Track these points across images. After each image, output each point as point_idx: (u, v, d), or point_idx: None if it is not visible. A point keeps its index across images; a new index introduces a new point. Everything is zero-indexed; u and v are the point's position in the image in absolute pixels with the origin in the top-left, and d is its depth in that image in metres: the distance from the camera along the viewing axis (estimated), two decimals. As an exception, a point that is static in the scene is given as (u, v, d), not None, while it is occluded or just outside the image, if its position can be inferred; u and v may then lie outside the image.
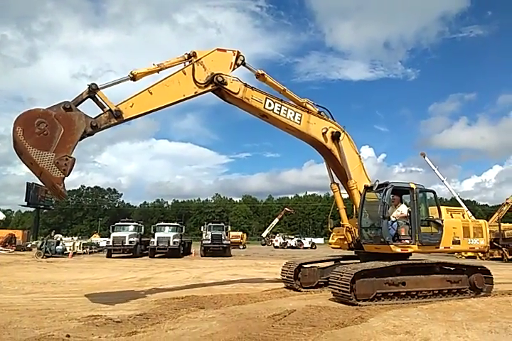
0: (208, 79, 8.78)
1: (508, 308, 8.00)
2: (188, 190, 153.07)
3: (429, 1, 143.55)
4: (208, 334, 5.70)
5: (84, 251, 29.70)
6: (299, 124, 9.72)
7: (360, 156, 10.60)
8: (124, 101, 7.93)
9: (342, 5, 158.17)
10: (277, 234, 57.90)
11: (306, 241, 49.79)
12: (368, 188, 9.92)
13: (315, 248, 47.32)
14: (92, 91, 7.66)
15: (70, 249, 27.23)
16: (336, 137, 10.04)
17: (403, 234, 9.13)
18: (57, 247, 25.79)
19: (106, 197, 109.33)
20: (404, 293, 8.62)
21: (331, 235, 11.24)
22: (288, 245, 48.66)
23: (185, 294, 9.29)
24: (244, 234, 53.13)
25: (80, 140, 7.33)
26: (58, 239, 28.45)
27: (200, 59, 8.80)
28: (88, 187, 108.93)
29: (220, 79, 8.80)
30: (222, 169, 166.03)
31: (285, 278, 10.65)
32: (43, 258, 23.55)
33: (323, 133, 9.97)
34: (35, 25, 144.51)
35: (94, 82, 7.71)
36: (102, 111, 7.76)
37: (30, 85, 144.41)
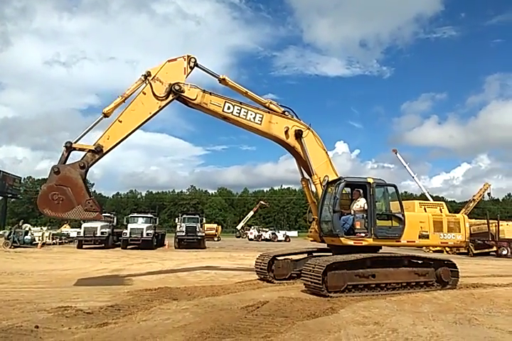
0: (166, 91, 9.51)
1: (472, 301, 8.32)
2: (162, 181, 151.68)
3: (405, 2, 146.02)
4: (180, 326, 5.70)
5: (54, 241, 28.98)
6: (260, 124, 10.23)
7: (327, 152, 10.90)
8: (101, 137, 9.00)
9: (320, 2, 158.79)
10: (252, 227, 58.09)
11: (281, 234, 50.17)
12: (329, 183, 10.15)
13: (289, 241, 47.79)
14: (69, 148, 8.78)
15: (38, 239, 26.50)
16: (298, 135, 10.42)
17: (358, 227, 9.41)
18: (25, 237, 25.06)
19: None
20: (373, 285, 8.85)
21: (310, 228, 11.40)
22: (262, 238, 48.89)
23: (158, 286, 9.23)
24: (219, 227, 53.06)
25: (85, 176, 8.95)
26: (27, 228, 27.61)
27: (155, 76, 9.50)
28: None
29: (177, 87, 9.51)
30: (198, 161, 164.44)
31: (259, 269, 10.73)
32: (10, 248, 22.87)
33: (286, 132, 10.39)
34: (8, 10, 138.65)
35: (68, 141, 8.76)
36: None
37: (1, 70, 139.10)
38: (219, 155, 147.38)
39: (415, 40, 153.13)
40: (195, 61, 10.01)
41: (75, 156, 9.06)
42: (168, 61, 9.78)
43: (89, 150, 8.84)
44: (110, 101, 9.32)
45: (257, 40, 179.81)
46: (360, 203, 9.77)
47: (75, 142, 8.87)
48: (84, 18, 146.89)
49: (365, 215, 9.48)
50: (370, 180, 9.65)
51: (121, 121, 9.18)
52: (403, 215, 9.56)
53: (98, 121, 9.13)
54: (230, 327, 5.59)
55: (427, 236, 9.86)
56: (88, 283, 9.94)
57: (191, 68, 9.99)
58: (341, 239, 9.26)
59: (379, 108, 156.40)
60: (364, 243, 9.30)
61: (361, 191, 9.97)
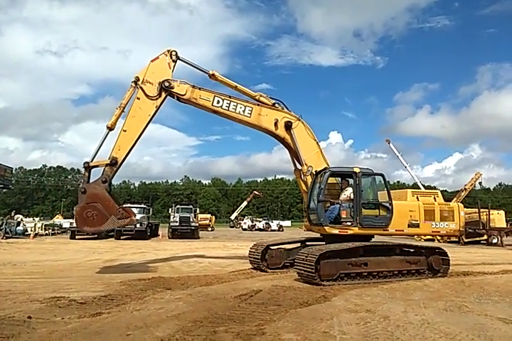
0: (158, 89, 9.86)
1: (463, 288, 8.43)
2: (156, 171, 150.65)
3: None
4: (174, 315, 5.72)
5: (47, 232, 28.90)
6: (249, 117, 10.40)
7: (318, 142, 10.93)
8: (113, 149, 9.54)
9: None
10: (246, 217, 58.38)
11: (274, 224, 50.49)
12: (318, 173, 10.20)
13: (282, 230, 48.12)
14: (88, 168, 9.43)
15: (31, 230, 26.41)
16: (288, 126, 10.50)
17: (344, 216, 9.50)
18: (17, 228, 24.98)
19: (69, 177, 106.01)
20: (366, 274, 8.93)
21: (304, 217, 11.46)
22: (256, 227, 49.18)
23: (152, 275, 9.26)
24: (213, 217, 53.20)
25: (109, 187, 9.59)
26: (19, 219, 27.51)
27: (143, 79, 9.81)
28: (50, 167, 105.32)
29: (166, 84, 9.84)
30: (192, 151, 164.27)
31: (252, 259, 10.79)
32: (2, 239, 22.78)
33: (275, 124, 10.50)
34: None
35: (86, 161, 9.43)
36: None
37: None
38: (213, 145, 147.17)
39: (409, 29, 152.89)
40: (176, 53, 10.19)
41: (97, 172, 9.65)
42: (151, 61, 10.03)
43: (106, 165, 9.44)
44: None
45: (250, 29, 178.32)
46: (347, 192, 9.84)
47: (91, 161, 9.48)
48: (75, 6, 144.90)
49: (351, 204, 9.55)
50: (357, 170, 9.67)
51: (125, 130, 9.61)
52: (390, 204, 9.59)
53: (105, 137, 9.63)
54: (224, 316, 5.62)
55: (417, 225, 9.85)
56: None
57: (174, 61, 10.18)
58: (326, 228, 9.39)
59: (372, 98, 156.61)
60: (350, 232, 9.39)
61: (350, 181, 10.02)
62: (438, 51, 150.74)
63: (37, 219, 36.26)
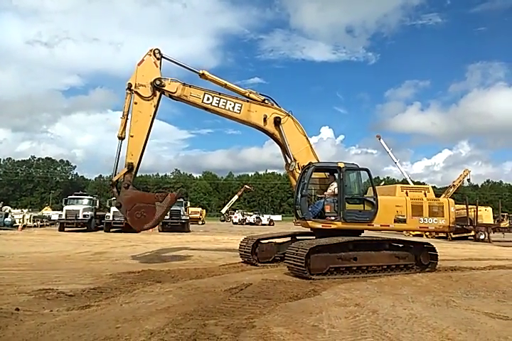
0: (151, 89, 10.26)
1: (450, 283, 8.54)
2: (146, 164, 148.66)
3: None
4: (164, 308, 5.70)
5: (35, 224, 28.65)
6: (239, 113, 10.65)
7: (307, 138, 11.10)
8: (126, 156, 10.14)
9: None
10: (236, 211, 58.46)
11: (265, 218, 50.62)
12: (303, 168, 10.26)
13: (273, 224, 48.25)
14: (114, 184, 10.14)
15: (19, 222, 26.15)
16: (277, 122, 10.68)
17: (328, 211, 9.59)
18: (5, 219, 24.72)
19: (58, 169, 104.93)
20: (355, 268, 9.00)
21: None
22: (247, 221, 49.27)
23: (142, 268, 9.22)
24: (204, 210, 53.16)
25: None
26: (7, 211, 27.20)
27: (135, 84, 10.23)
28: (39, 158, 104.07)
29: (158, 82, 10.24)
30: (183, 144, 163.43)
31: (243, 252, 10.80)
32: (-11, 230, 22.47)
33: (264, 119, 10.70)
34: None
35: (109, 179, 10.63)
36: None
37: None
38: (204, 138, 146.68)
39: (401, 27, 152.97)
40: (159, 51, 10.53)
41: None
42: (138, 65, 10.41)
43: (125, 173, 10.04)
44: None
45: (243, 23, 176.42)
46: (332, 187, 9.92)
47: (114, 174, 10.26)
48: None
49: (335, 199, 9.62)
50: (341, 165, 9.69)
51: (133, 136, 10.14)
52: (375, 199, 9.61)
53: (120, 148, 10.30)
54: (213, 309, 5.62)
55: (404, 221, 9.77)
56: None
57: (159, 59, 10.52)
58: (309, 222, 9.51)
59: (364, 94, 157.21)
60: (333, 226, 9.46)
61: (334, 176, 10.12)
62: (429, 48, 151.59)
63: (25, 210, 35.87)
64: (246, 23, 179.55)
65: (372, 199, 9.60)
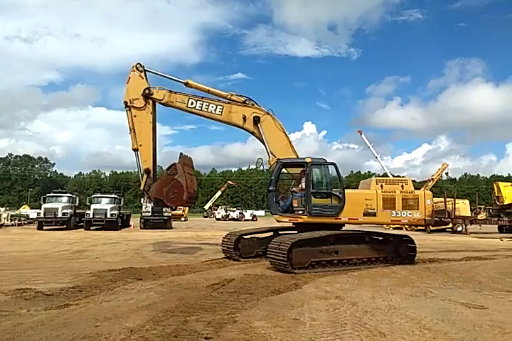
0: (143, 99, 11.17)
1: (428, 275, 8.73)
2: (128, 161, 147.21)
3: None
4: (145, 305, 5.66)
5: (13, 222, 28.02)
6: (221, 115, 11.31)
7: (287, 135, 11.40)
8: (142, 163, 11.18)
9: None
10: (219, 207, 58.30)
11: (248, 214, 50.64)
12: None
13: (256, 220, 48.32)
14: (145, 192, 11.47)
15: (-4, 221, 25.49)
16: (256, 121, 11.06)
17: (295, 205, 9.84)
18: (-19, 219, 24.00)
19: (36, 166, 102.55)
20: (336, 261, 9.13)
21: None
22: (230, 217, 49.22)
23: (122, 266, 9.12)
24: (186, 207, 52.82)
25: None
26: (-17, 210, 26.44)
27: (130, 99, 11.12)
28: (16, 156, 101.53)
29: (147, 91, 11.15)
30: (165, 140, 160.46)
31: (225, 248, 10.80)
32: (-36, 230, 21.86)
33: (244, 119, 11.17)
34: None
35: (140, 189, 12.10)
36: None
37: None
38: (187, 134, 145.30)
39: (382, 23, 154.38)
40: (141, 65, 11.40)
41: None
42: (127, 83, 11.32)
43: (147, 177, 11.05)
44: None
45: (226, 18, 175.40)
46: (303, 183, 10.05)
47: (140, 186, 11.45)
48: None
49: (304, 194, 9.76)
50: (308, 160, 9.82)
51: (141, 145, 11.14)
52: (341, 193, 9.66)
53: (138, 158, 11.23)
54: (195, 305, 5.61)
55: (374, 214, 9.65)
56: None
57: (143, 71, 11.39)
58: (275, 216, 9.83)
59: (345, 90, 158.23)
60: (300, 220, 9.66)
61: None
62: (410, 44, 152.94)
63: (2, 209, 34.94)
64: (229, 18, 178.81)
65: (338, 193, 9.69)
